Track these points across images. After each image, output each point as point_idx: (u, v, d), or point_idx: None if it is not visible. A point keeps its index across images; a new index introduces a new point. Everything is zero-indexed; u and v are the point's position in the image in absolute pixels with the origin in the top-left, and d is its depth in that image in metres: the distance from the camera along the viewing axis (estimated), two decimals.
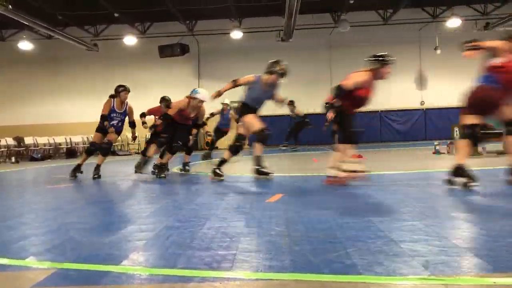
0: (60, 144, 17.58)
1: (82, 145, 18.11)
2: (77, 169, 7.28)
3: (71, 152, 16.87)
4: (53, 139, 17.41)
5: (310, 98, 18.74)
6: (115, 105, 7.20)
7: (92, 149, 7.39)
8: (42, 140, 17.07)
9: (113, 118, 7.18)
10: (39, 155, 15.62)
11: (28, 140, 16.54)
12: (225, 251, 2.38)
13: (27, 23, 14.17)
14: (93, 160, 7.43)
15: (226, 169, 6.05)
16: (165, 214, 3.70)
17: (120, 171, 9.01)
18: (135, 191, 5.50)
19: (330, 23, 17.98)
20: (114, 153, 17.44)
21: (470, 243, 2.39)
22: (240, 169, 8.19)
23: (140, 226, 3.18)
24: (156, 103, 8.83)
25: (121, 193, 5.29)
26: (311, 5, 15.95)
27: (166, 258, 2.31)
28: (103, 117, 7.07)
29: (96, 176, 7.03)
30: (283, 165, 8.71)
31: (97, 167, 7.12)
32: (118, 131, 7.42)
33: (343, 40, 18.15)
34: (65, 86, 19.54)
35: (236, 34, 17.44)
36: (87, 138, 18.26)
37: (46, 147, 17.09)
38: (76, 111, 19.43)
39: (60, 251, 2.54)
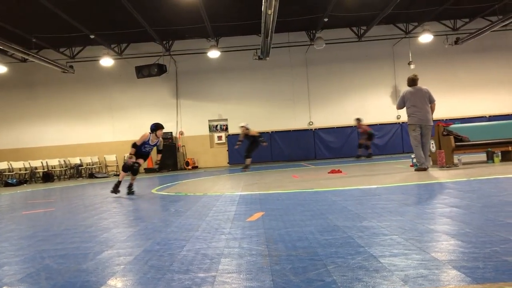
0: (36, 168, 17.24)
1: (59, 169, 17.79)
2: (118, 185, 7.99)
3: (47, 176, 16.55)
4: (29, 163, 17.07)
5: (288, 115, 18.90)
6: (150, 139, 8.14)
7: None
8: (17, 164, 16.71)
9: (145, 147, 8.17)
10: (14, 180, 15.27)
11: (3, 165, 16.16)
12: (205, 273, 2.35)
13: (1, 47, 13.99)
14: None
15: (205, 189, 6.01)
16: (144, 237, 3.64)
17: (98, 194, 8.86)
18: (113, 215, 5.41)
19: (305, 41, 18.27)
20: (92, 176, 17.18)
21: (448, 256, 2.42)
22: (220, 188, 8.14)
23: (118, 251, 3.12)
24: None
25: (98, 217, 5.19)
26: (287, 24, 16.20)
27: (144, 283, 2.27)
28: (134, 146, 8.01)
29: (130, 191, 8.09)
30: (264, 183, 8.70)
31: (130, 185, 8.16)
32: (146, 155, 8.41)
33: (319, 57, 18.44)
34: (40, 109, 19.26)
35: (214, 54, 17.54)
36: (64, 161, 17.96)
37: (22, 171, 16.74)
38: (53, 134, 19.13)
39: (34, 280, 2.47)
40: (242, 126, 13.76)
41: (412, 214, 3.81)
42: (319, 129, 18.73)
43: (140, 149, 8.08)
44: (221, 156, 18.95)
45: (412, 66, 17.76)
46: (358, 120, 16.70)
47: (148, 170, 17.90)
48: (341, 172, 9.61)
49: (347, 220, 3.64)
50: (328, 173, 9.68)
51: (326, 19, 15.82)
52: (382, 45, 18.43)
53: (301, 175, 9.91)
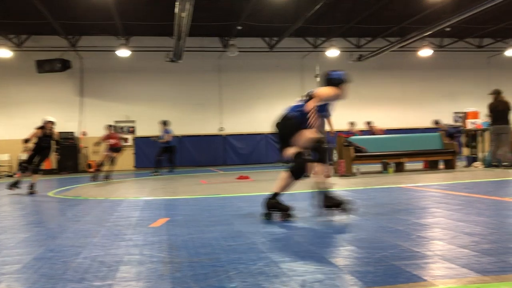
0: None
1: None
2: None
3: None
4: None
5: (199, 120, 18.81)
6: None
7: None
8: None
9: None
10: None
11: None
12: (101, 282, 2.23)
13: None
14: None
15: (107, 193, 5.75)
16: (36, 243, 3.38)
17: None
18: (2, 219, 4.96)
19: (219, 47, 18.34)
20: None
21: (344, 261, 2.54)
22: (123, 192, 7.84)
23: (4, 259, 2.86)
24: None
25: None
26: (200, 28, 16.14)
27: None
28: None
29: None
30: (170, 188, 8.54)
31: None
32: None
33: (232, 64, 18.59)
34: None
35: (123, 52, 16.91)
36: None
37: None
38: None
39: None
40: (49, 122, 8.76)
41: (313, 220, 3.96)
42: (229, 135, 18.86)
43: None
44: (127, 159, 18.28)
45: (318, 79, 18.58)
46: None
47: (47, 172, 16.69)
48: (249, 178, 9.75)
49: (252, 226, 3.69)
50: (236, 179, 9.76)
51: (239, 27, 16.03)
52: (292, 57, 19.08)
53: (210, 181, 9.89)
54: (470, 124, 11.33)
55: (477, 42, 19.58)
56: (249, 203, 5.40)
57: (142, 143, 18.25)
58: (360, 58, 19.12)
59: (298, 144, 4.01)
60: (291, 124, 4.08)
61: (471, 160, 11.15)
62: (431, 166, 10.67)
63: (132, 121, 18.57)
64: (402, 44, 17.12)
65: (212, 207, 5.17)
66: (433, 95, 20.04)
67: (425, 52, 17.86)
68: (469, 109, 12.58)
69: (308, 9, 13.36)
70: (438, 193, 5.84)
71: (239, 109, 19.10)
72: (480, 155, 11.11)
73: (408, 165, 10.89)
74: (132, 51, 17.20)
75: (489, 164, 10.29)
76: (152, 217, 4.50)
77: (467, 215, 3.91)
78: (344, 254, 2.72)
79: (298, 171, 4.02)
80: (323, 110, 4.24)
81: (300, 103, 4.19)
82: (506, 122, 10.04)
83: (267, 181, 9.21)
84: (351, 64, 19.30)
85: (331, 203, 3.96)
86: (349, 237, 3.19)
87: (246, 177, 9.81)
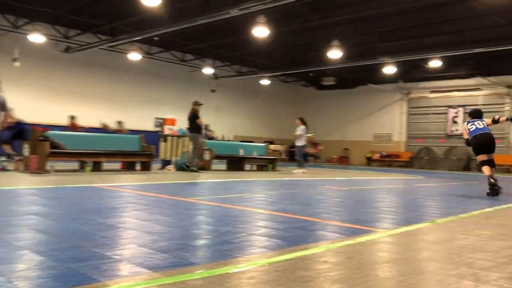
0: None
1: None
2: None
3: None
4: None
5: None
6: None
7: None
8: None
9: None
10: None
11: None
12: None
13: None
14: None
15: None
16: None
17: None
18: None
19: None
20: None
21: (9, 268, 2.29)
22: None
23: None
24: None
25: None
26: None
27: None
28: None
29: None
30: None
31: None
32: None
33: None
34: None
35: None
36: None
37: None
38: None
39: None
40: None
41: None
42: None
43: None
44: None
45: (17, 64, 16.59)
46: None
47: None
48: None
49: None
50: None
51: None
52: None
53: None
54: (167, 130, 12.24)
55: (181, 56, 21.43)
56: None
57: None
58: (67, 50, 18.12)
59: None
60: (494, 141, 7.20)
61: (165, 163, 12.06)
62: (129, 167, 10.96)
63: None
64: (112, 44, 17.15)
65: None
66: (139, 98, 20.78)
67: (134, 56, 18.32)
68: (168, 116, 13.64)
69: None
70: (129, 193, 6.03)
71: None
72: (173, 159, 12.13)
73: (106, 165, 10.89)
74: None
75: (180, 167, 11.34)
76: None
77: (151, 214, 4.16)
78: (11, 261, 2.44)
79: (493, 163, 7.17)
80: None
81: (485, 126, 7.15)
82: (196, 131, 11.27)
83: None
84: (56, 54, 18.08)
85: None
86: (26, 240, 2.90)
87: None
